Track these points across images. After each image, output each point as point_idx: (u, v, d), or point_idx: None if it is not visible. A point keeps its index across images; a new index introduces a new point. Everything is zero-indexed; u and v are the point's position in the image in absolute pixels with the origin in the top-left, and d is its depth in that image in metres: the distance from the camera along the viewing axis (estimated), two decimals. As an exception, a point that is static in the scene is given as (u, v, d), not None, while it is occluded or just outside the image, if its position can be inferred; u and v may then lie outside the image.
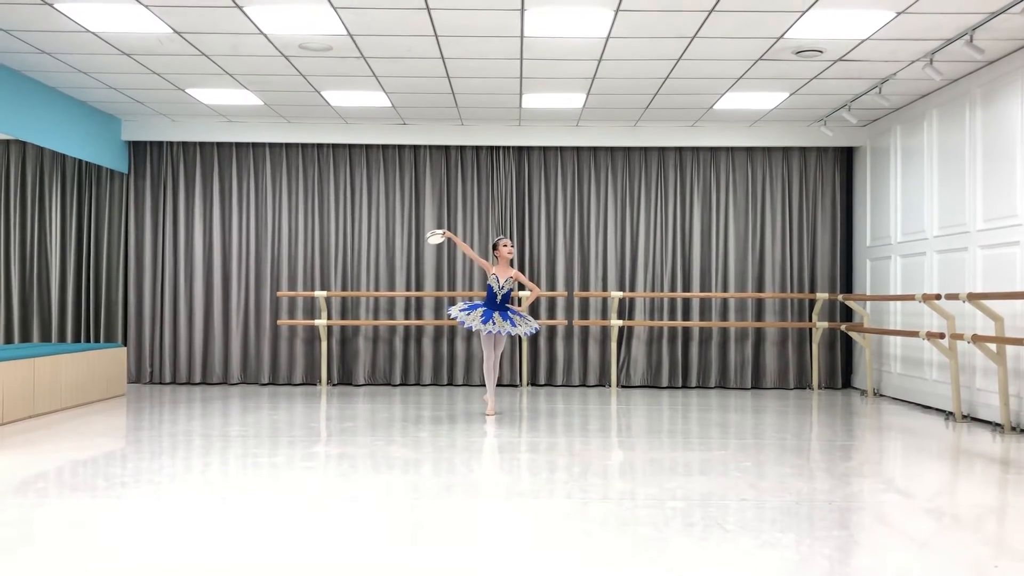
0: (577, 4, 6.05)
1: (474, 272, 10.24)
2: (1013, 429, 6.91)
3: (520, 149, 10.32)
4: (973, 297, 6.99)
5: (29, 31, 6.74)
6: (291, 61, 7.49)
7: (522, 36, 6.74)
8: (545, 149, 10.32)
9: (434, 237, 7.77)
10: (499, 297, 7.57)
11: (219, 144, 10.30)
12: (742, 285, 10.28)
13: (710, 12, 6.18)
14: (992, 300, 6.95)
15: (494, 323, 7.37)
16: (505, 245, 7.69)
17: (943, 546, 3.71)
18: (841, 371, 10.31)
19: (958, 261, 7.86)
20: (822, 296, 9.93)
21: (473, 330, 7.55)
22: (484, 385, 9.92)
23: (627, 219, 10.31)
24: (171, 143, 10.27)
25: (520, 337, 9.95)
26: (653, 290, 10.26)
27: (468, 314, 7.45)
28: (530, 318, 7.69)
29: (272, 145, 10.30)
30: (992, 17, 6.15)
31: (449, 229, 10.27)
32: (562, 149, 10.31)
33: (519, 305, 8.68)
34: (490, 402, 7.72)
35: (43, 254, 10.44)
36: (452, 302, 10.21)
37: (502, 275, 7.62)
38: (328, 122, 9.96)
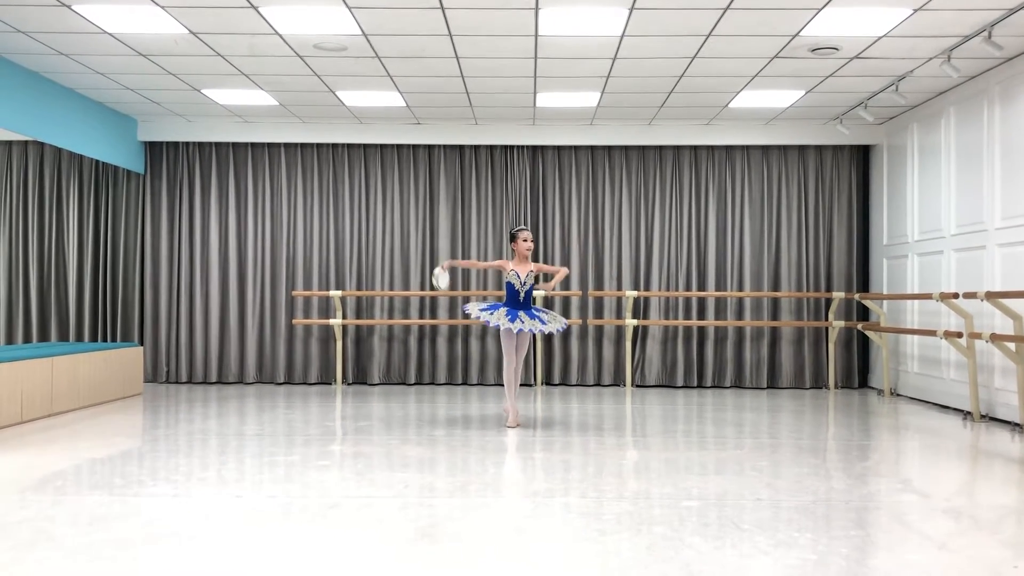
0: (592, 3, 6.04)
1: (489, 271, 10.22)
2: (1032, 429, 6.86)
3: (534, 148, 10.32)
4: (991, 296, 6.94)
5: (46, 32, 6.79)
6: (306, 61, 7.51)
7: (536, 35, 6.73)
8: (559, 148, 10.31)
9: (441, 279, 6.83)
10: (521, 295, 6.78)
11: (235, 144, 10.35)
12: (758, 284, 10.23)
13: (725, 9, 6.15)
14: (1011, 299, 6.89)
15: (522, 321, 6.58)
16: (525, 239, 6.85)
17: (961, 547, 3.68)
18: (858, 370, 10.26)
19: (976, 259, 7.80)
20: (838, 295, 9.87)
21: (502, 328, 6.62)
22: (501, 385, 9.96)
23: (642, 218, 10.29)
24: (187, 143, 10.33)
25: (536, 336, 9.79)
26: (668, 289, 10.23)
27: (491, 313, 6.66)
28: (557, 315, 6.93)
29: (287, 145, 10.34)
30: (1011, 13, 6.10)
31: (463, 228, 10.28)
32: (576, 148, 10.30)
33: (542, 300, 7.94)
34: (511, 412, 6.89)
35: (60, 254, 10.52)
36: (467, 301, 10.21)
37: (522, 270, 6.81)
38: (343, 122, 9.99)
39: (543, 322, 6.72)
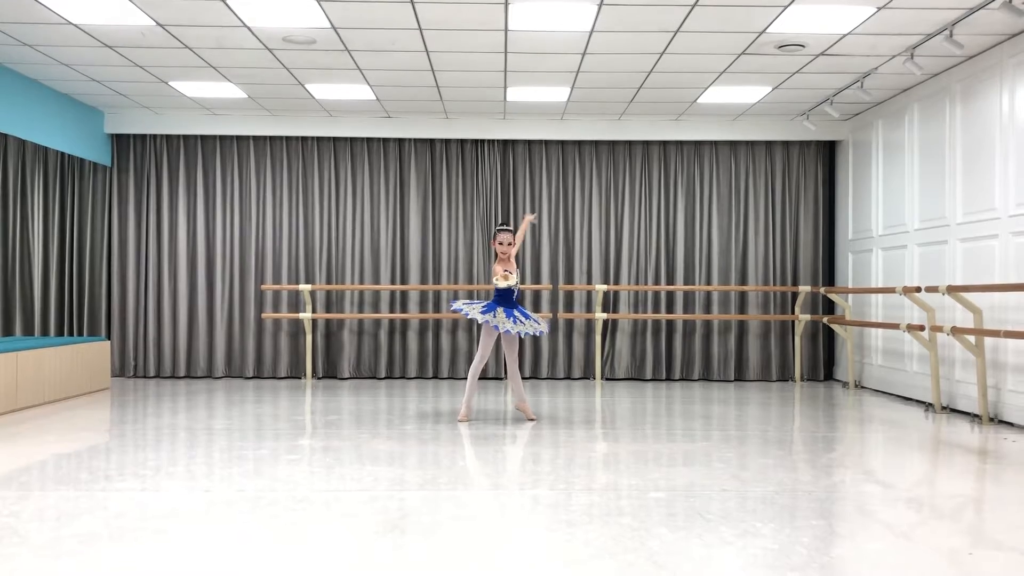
0: (561, -2, 6.07)
1: (459, 265, 10.25)
2: (991, 420, 7.00)
3: (505, 142, 10.33)
4: (953, 290, 7.07)
5: (10, 23, 6.70)
6: (275, 54, 7.47)
7: (506, 30, 6.75)
8: (530, 142, 10.33)
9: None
10: (516, 292, 6.80)
11: (203, 137, 10.27)
12: (725, 278, 10.34)
13: (693, 6, 6.21)
14: (971, 293, 7.03)
15: (521, 323, 6.61)
16: (500, 243, 6.75)
17: (921, 535, 3.77)
18: (823, 363, 10.40)
19: (938, 254, 7.94)
20: (804, 289, 10.00)
21: (500, 329, 6.55)
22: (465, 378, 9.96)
23: (611, 212, 10.35)
24: (154, 136, 10.23)
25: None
26: (637, 283, 10.31)
27: (493, 315, 6.57)
28: (539, 318, 6.81)
29: (256, 138, 10.27)
30: (971, 12, 6.22)
31: (434, 222, 10.28)
32: (547, 142, 10.33)
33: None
34: (464, 407, 6.94)
35: (26, 248, 10.37)
36: (437, 295, 10.23)
37: (512, 268, 6.79)
38: (312, 115, 9.94)
39: (537, 322, 6.73)
